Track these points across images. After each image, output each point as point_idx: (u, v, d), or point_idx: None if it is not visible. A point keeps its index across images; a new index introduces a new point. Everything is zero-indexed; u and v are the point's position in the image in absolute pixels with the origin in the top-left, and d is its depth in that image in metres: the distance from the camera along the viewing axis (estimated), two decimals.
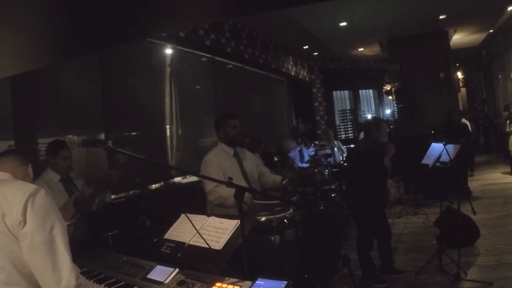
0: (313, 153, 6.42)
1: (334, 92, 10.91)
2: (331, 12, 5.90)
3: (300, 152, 6.27)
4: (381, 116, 12.21)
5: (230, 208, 2.68)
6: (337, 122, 10.93)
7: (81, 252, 2.02)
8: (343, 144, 7.90)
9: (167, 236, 2.04)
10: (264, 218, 2.44)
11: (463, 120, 7.58)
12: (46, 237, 1.31)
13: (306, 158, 6.20)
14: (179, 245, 1.91)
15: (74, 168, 2.88)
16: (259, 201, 2.85)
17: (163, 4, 1.91)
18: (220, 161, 2.84)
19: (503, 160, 8.76)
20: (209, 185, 2.71)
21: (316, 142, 6.74)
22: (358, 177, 3.49)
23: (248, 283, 1.39)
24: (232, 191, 2.52)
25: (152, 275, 1.62)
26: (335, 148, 6.85)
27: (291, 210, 2.56)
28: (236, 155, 2.96)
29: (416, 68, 7.67)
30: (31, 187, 1.39)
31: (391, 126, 8.92)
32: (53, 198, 2.55)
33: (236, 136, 2.93)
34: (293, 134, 6.58)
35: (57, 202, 2.55)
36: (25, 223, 1.30)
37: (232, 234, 1.77)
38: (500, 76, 10.24)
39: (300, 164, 5.89)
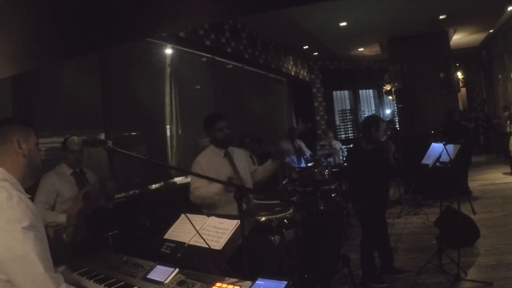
0: (309, 153, 6.41)
1: (334, 92, 10.91)
2: (331, 12, 5.90)
3: (299, 151, 6.26)
4: (381, 116, 12.22)
5: (219, 207, 2.67)
6: (337, 122, 10.93)
7: (81, 252, 2.02)
8: (344, 144, 7.90)
9: (167, 236, 2.04)
10: (264, 218, 2.44)
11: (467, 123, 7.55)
12: (19, 251, 1.22)
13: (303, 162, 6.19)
14: (179, 245, 1.90)
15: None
16: (259, 201, 2.85)
17: (163, 4, 1.91)
18: (210, 163, 2.78)
19: (503, 160, 8.76)
20: (192, 186, 2.72)
21: (319, 145, 6.73)
22: (364, 178, 3.42)
23: (248, 283, 1.39)
24: (210, 188, 2.54)
25: (152, 275, 1.62)
26: (335, 148, 6.85)
27: (291, 210, 2.56)
28: (227, 155, 2.90)
29: (416, 68, 7.68)
30: (1, 196, 1.27)
31: (391, 126, 8.93)
32: (64, 190, 2.65)
33: (224, 139, 2.84)
34: (290, 136, 6.55)
35: (67, 194, 2.63)
36: None
37: (232, 234, 1.77)
38: (500, 76, 10.25)
39: (298, 164, 5.88)
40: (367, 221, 3.46)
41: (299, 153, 6.21)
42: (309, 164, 5.83)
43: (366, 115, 11.43)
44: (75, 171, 2.80)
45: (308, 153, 6.50)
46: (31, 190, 1.49)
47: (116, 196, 3.52)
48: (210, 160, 2.81)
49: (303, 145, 6.61)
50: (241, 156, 3.05)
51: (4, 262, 1.22)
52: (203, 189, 2.65)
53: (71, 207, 2.57)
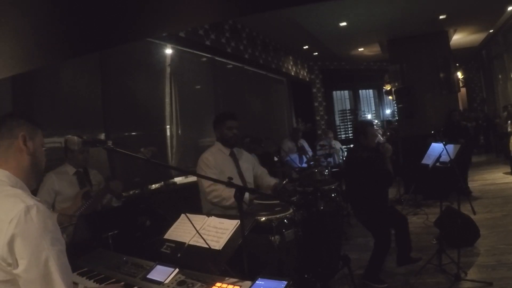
0: (311, 153, 6.44)
1: (334, 92, 10.91)
2: (331, 12, 5.90)
3: (301, 149, 6.28)
4: (381, 116, 12.21)
5: (227, 208, 2.68)
6: (337, 122, 10.93)
7: (81, 252, 2.02)
8: (343, 144, 7.91)
9: (167, 236, 2.04)
10: (264, 218, 2.44)
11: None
12: (41, 271, 1.13)
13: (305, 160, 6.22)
14: (179, 245, 1.90)
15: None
16: (259, 201, 2.85)
17: (163, 4, 1.91)
18: (216, 161, 2.84)
19: (503, 160, 8.76)
20: (206, 184, 2.73)
21: (319, 145, 6.75)
22: (361, 185, 3.41)
23: (248, 283, 1.39)
24: (232, 192, 2.55)
25: (152, 275, 1.62)
26: (335, 148, 6.86)
27: (291, 210, 2.56)
28: (232, 155, 2.96)
29: (416, 68, 7.68)
30: (19, 208, 1.14)
31: (391, 126, 8.93)
32: (63, 189, 2.64)
33: (231, 138, 2.91)
34: (293, 136, 6.59)
35: (67, 194, 2.64)
36: (16, 264, 1.12)
37: (232, 234, 1.77)
38: (500, 76, 10.24)
39: (299, 165, 5.90)
40: (373, 225, 3.45)
41: (301, 152, 6.25)
42: (310, 163, 5.86)
43: (364, 116, 11.41)
44: (78, 170, 2.80)
45: (310, 153, 6.52)
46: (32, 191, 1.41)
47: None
48: (216, 157, 2.87)
49: (306, 145, 6.64)
50: (246, 158, 3.10)
51: (25, 281, 1.13)
52: (224, 192, 2.67)
53: (70, 206, 2.57)
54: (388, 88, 10.83)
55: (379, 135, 6.33)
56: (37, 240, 1.13)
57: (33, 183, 1.39)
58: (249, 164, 3.10)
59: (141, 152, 1.61)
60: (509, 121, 7.65)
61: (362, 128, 3.47)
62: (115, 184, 2.74)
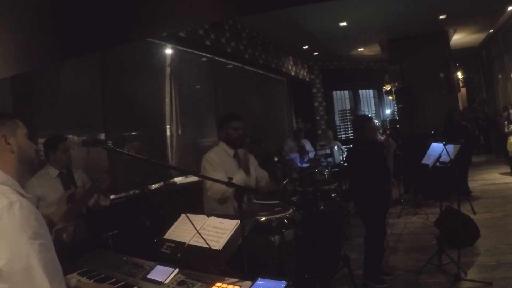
0: (313, 154, 6.46)
1: (334, 92, 10.90)
2: (331, 12, 5.90)
3: (302, 149, 6.30)
4: (381, 116, 12.22)
5: (229, 205, 2.69)
6: (337, 122, 10.92)
7: (81, 252, 2.02)
8: (343, 144, 7.91)
9: (167, 236, 2.04)
10: (264, 218, 2.44)
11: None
12: (22, 264, 1.14)
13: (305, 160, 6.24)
14: (179, 245, 1.91)
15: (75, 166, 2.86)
16: (259, 201, 2.85)
17: (163, 4, 1.91)
18: (221, 160, 2.85)
19: (503, 160, 8.76)
20: (208, 181, 2.72)
21: (319, 145, 6.77)
22: (361, 179, 3.43)
23: (248, 283, 1.39)
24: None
25: (152, 275, 1.62)
26: (335, 148, 6.87)
27: (291, 210, 2.56)
28: (236, 156, 2.96)
29: (416, 68, 7.68)
30: (1, 204, 1.16)
31: (392, 126, 8.94)
32: (47, 193, 2.55)
33: (237, 138, 2.93)
34: (296, 137, 6.62)
35: (51, 197, 2.51)
36: None
37: (232, 234, 1.77)
38: (500, 76, 10.24)
39: (300, 165, 5.91)
40: (369, 221, 3.45)
41: (302, 151, 6.28)
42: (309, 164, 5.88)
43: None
44: (61, 172, 2.66)
45: (312, 153, 6.53)
46: None
47: (116, 196, 3.52)
48: (220, 157, 2.88)
49: (308, 145, 6.66)
50: (252, 161, 3.09)
51: (8, 274, 1.14)
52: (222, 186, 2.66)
53: (54, 211, 2.34)
54: (388, 88, 10.83)
55: (379, 135, 6.34)
56: (17, 234, 1.14)
57: (27, 174, 1.41)
58: (253, 166, 3.10)
59: (125, 148, 1.60)
60: (505, 122, 7.65)
61: (359, 122, 3.56)
62: (101, 177, 2.31)
